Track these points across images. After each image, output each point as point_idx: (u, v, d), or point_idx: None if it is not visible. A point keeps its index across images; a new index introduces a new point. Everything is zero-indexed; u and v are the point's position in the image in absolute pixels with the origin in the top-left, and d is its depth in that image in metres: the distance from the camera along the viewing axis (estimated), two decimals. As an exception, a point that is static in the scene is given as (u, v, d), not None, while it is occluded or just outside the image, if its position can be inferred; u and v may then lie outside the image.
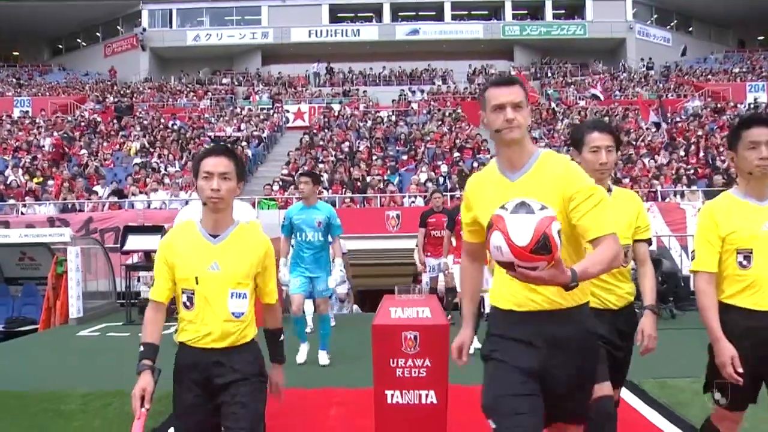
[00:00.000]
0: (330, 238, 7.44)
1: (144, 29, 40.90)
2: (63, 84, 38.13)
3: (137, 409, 2.86)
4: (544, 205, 2.47)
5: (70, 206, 16.89)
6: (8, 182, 18.94)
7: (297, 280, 7.28)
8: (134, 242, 11.86)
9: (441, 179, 18.91)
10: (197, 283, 3.02)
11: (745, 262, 3.23)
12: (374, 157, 21.65)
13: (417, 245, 10.31)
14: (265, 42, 41.05)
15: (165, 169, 21.01)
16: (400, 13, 42.23)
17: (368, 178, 18.93)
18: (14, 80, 39.13)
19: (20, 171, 20.38)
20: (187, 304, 3.05)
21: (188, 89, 36.66)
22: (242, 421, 2.96)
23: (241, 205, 3.64)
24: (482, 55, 40.53)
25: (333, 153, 22.56)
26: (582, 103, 30.06)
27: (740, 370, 3.12)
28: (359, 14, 42.75)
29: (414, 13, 42.62)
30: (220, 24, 41.98)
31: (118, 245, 12.69)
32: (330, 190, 18.13)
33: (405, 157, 21.88)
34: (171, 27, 41.83)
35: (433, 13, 42.14)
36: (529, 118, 2.90)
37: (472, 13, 42.70)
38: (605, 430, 3.27)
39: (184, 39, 41.11)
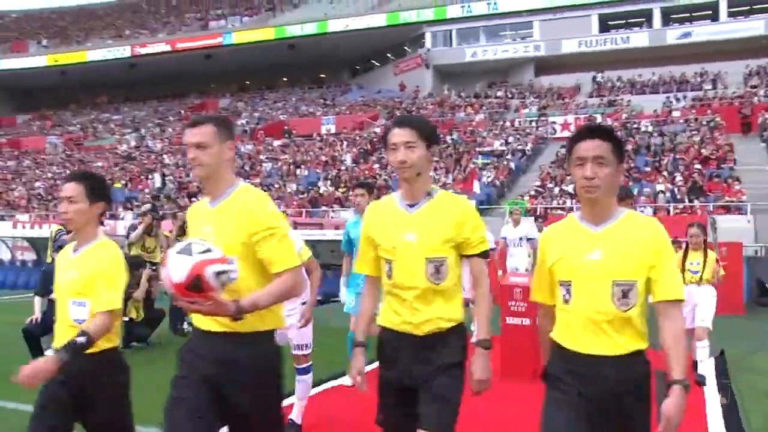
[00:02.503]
0: None
1: (428, 49, 45.44)
2: (360, 102, 43.97)
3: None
4: (209, 248, 2.68)
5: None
6: (321, 192, 24.20)
7: (353, 298, 6.63)
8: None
9: (675, 190, 19.61)
10: None
11: (567, 296, 2.70)
12: (620, 169, 23.08)
13: None
14: (537, 54, 43.25)
15: (440, 180, 24.77)
16: (671, 16, 41.71)
17: (608, 189, 20.50)
18: (322, 101, 46.26)
19: (328, 182, 25.69)
20: None
21: (465, 102, 40.03)
22: None
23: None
24: (764, 53, 38.27)
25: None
26: None
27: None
28: (629, 21, 43.00)
29: (687, 15, 41.82)
30: (495, 40, 45.02)
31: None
32: (574, 200, 20.55)
33: (648, 168, 22.61)
34: (451, 45, 45.75)
35: (708, 12, 40.89)
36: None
37: (753, 7, 40.54)
38: None
39: (462, 56, 44.80)
